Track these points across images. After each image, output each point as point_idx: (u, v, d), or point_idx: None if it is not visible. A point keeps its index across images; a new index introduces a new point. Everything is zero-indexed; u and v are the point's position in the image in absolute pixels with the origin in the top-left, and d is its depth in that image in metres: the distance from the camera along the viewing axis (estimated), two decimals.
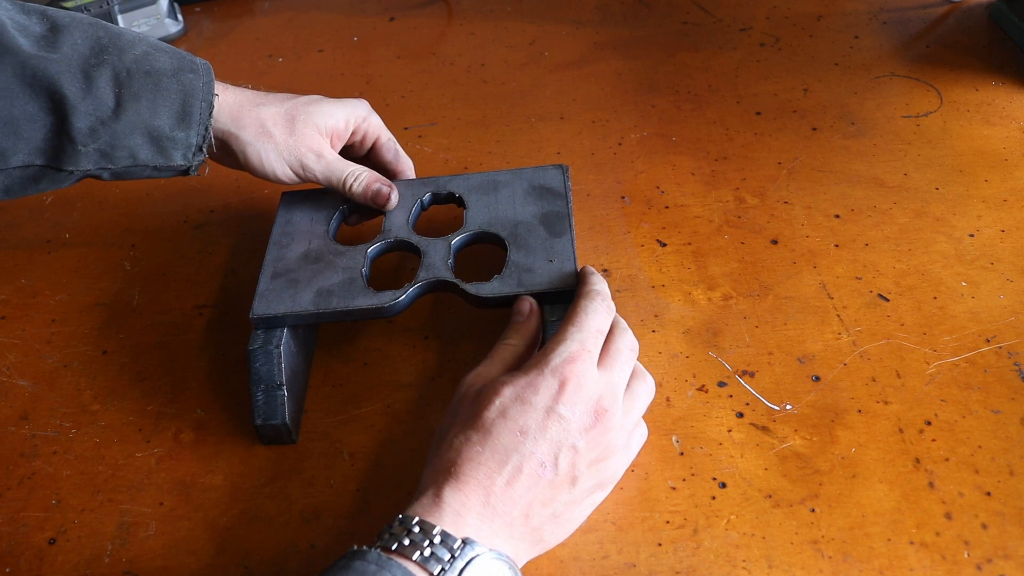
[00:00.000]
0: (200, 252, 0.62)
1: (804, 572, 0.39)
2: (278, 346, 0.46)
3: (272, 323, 0.47)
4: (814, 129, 0.67)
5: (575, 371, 0.39)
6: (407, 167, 0.57)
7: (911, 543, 0.40)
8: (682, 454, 0.45)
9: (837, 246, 0.56)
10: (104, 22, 0.48)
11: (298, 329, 0.49)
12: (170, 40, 0.90)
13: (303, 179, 0.52)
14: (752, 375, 0.48)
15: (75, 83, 0.45)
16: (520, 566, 0.38)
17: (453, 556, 0.34)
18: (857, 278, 0.54)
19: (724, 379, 0.48)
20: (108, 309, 0.58)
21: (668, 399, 0.48)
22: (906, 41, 0.77)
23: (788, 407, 0.47)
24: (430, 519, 0.35)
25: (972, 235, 0.56)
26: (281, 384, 0.46)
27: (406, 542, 0.34)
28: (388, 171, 0.56)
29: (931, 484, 0.42)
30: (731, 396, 0.47)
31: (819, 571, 0.39)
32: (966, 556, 0.39)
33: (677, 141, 0.67)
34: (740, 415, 0.46)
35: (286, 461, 0.47)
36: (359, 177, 0.53)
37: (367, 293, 0.48)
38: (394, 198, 0.54)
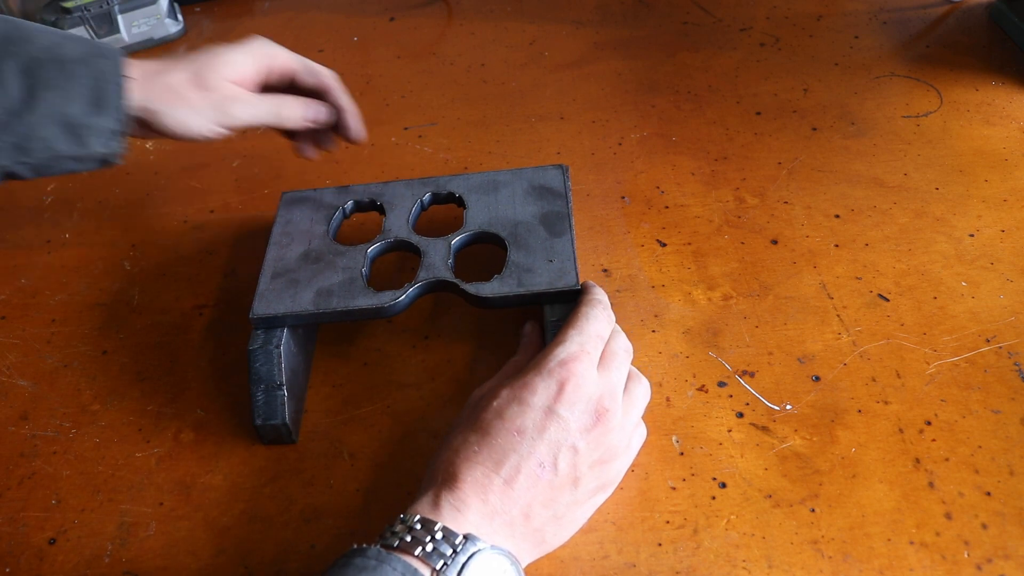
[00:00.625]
0: (200, 252, 0.62)
1: (804, 572, 0.39)
2: (278, 346, 0.46)
3: (272, 323, 0.47)
4: (814, 129, 0.67)
5: (574, 371, 0.40)
6: (331, 82, 0.55)
7: (911, 543, 0.40)
8: (682, 454, 0.45)
9: (837, 246, 0.56)
10: (5, 15, 0.47)
11: (298, 329, 0.49)
12: (170, 40, 0.90)
13: (233, 129, 0.51)
14: (752, 375, 0.48)
15: None
16: (523, 566, 0.38)
17: (455, 551, 0.34)
18: (857, 278, 0.54)
19: (724, 379, 0.48)
20: (108, 309, 0.58)
21: (668, 399, 0.48)
22: (906, 41, 0.77)
23: (788, 407, 0.47)
24: (431, 517, 0.36)
25: (972, 235, 0.56)
26: (281, 384, 0.46)
27: (408, 539, 0.34)
28: (317, 93, 0.55)
29: (931, 484, 0.42)
30: (731, 396, 0.47)
31: (819, 571, 0.39)
32: (966, 556, 0.39)
33: (677, 141, 0.67)
34: (740, 415, 0.46)
35: (286, 461, 0.47)
36: (290, 104, 0.52)
37: (367, 293, 0.48)
38: (328, 114, 0.54)
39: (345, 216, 0.55)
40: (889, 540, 0.40)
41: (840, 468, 0.43)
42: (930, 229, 0.57)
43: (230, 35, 0.90)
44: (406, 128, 0.72)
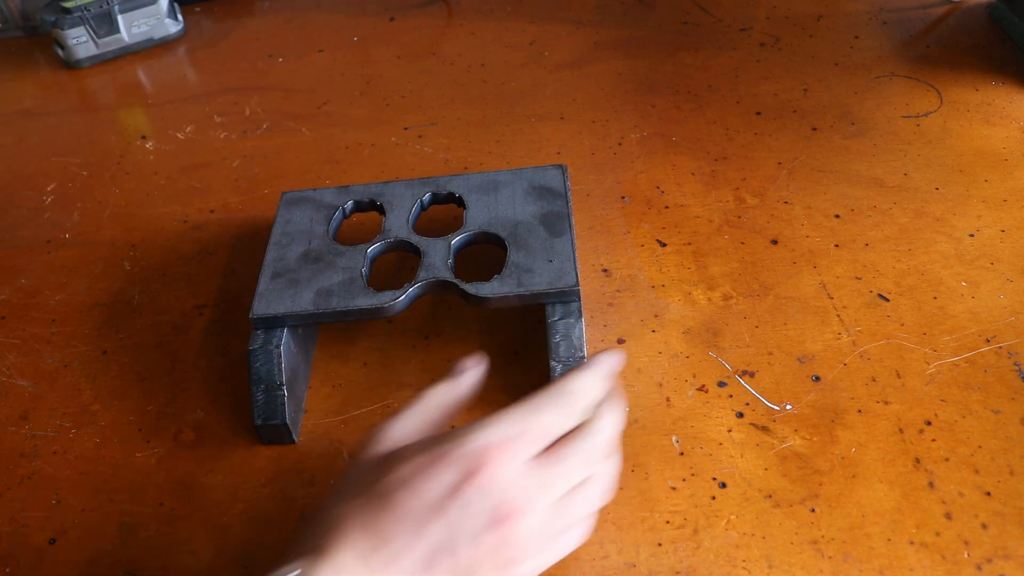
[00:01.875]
0: (200, 252, 0.62)
1: (804, 572, 0.39)
2: (278, 346, 0.46)
3: (272, 323, 0.47)
4: (814, 129, 0.67)
5: (485, 463, 0.33)
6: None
7: (911, 543, 0.40)
8: (682, 454, 0.45)
9: (837, 246, 0.56)
10: None
11: (298, 329, 0.49)
12: (170, 40, 0.90)
13: None
14: (752, 375, 0.48)
15: None
16: None
17: None
18: (857, 278, 0.54)
19: (724, 379, 0.48)
20: (108, 309, 0.58)
21: (668, 399, 0.48)
22: (906, 41, 0.77)
23: (788, 407, 0.47)
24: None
25: (972, 235, 0.56)
26: (281, 384, 0.46)
27: None
28: None
29: (931, 484, 0.42)
30: (731, 396, 0.47)
31: (819, 571, 0.39)
32: (966, 556, 0.39)
33: (677, 141, 0.67)
34: (740, 415, 0.46)
35: (286, 461, 0.47)
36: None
37: (367, 293, 0.48)
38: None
39: (345, 216, 0.55)
40: (889, 540, 0.40)
41: (840, 468, 0.43)
42: (930, 229, 0.57)
43: (230, 35, 0.90)
44: (406, 128, 0.72)
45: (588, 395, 0.37)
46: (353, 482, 0.36)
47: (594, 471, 0.36)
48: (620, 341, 0.51)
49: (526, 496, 0.34)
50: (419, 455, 0.34)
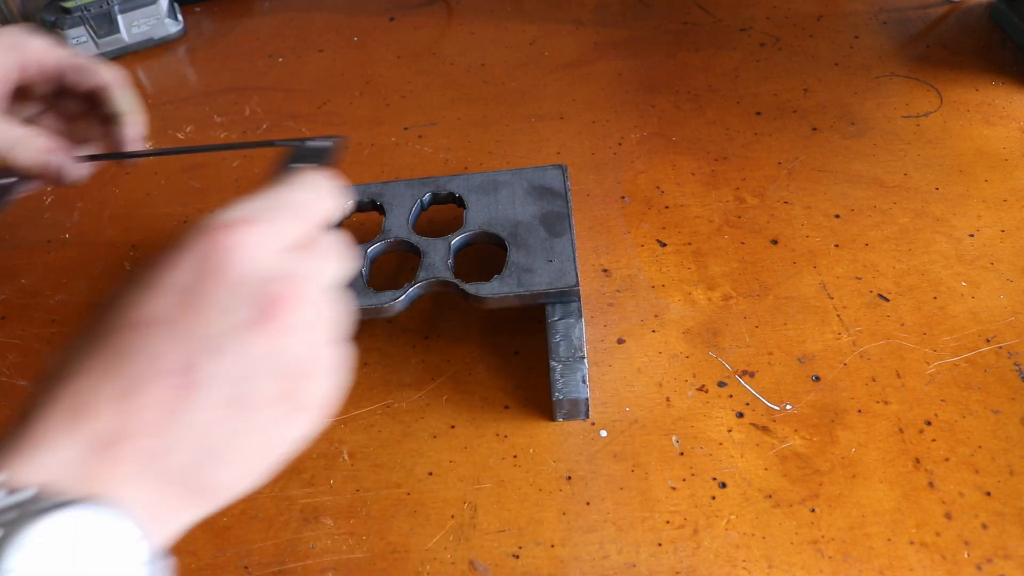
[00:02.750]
0: None
1: (804, 572, 0.39)
2: None
3: None
4: (814, 129, 0.67)
5: (229, 241, 0.26)
6: (108, 79, 0.45)
7: (911, 543, 0.40)
8: (682, 454, 0.45)
9: (837, 246, 0.56)
10: None
11: None
12: (170, 40, 0.90)
13: None
14: (752, 375, 0.48)
15: None
16: (180, 523, 0.26)
17: (15, 507, 0.21)
18: (857, 278, 0.54)
19: (724, 379, 0.48)
20: None
21: (668, 399, 0.48)
22: (906, 41, 0.77)
23: (788, 407, 0.47)
24: None
25: (972, 235, 0.56)
26: None
27: None
28: (89, 92, 0.46)
29: (931, 484, 0.42)
30: (731, 396, 0.47)
31: (819, 571, 0.39)
32: (966, 556, 0.39)
33: (677, 141, 0.67)
34: (740, 415, 0.46)
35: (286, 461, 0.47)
36: (28, 147, 0.42)
37: (367, 293, 0.48)
38: (77, 171, 0.44)
39: (345, 216, 0.55)
40: (889, 540, 0.40)
41: (840, 468, 0.43)
42: (930, 229, 0.57)
43: (230, 35, 0.90)
44: (406, 128, 0.72)
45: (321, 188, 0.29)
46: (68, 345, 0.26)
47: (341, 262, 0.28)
48: (620, 341, 0.51)
49: (291, 278, 0.26)
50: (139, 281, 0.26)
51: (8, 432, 0.24)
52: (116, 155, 0.48)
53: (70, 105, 0.47)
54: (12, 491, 0.22)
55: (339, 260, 0.28)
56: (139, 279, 0.26)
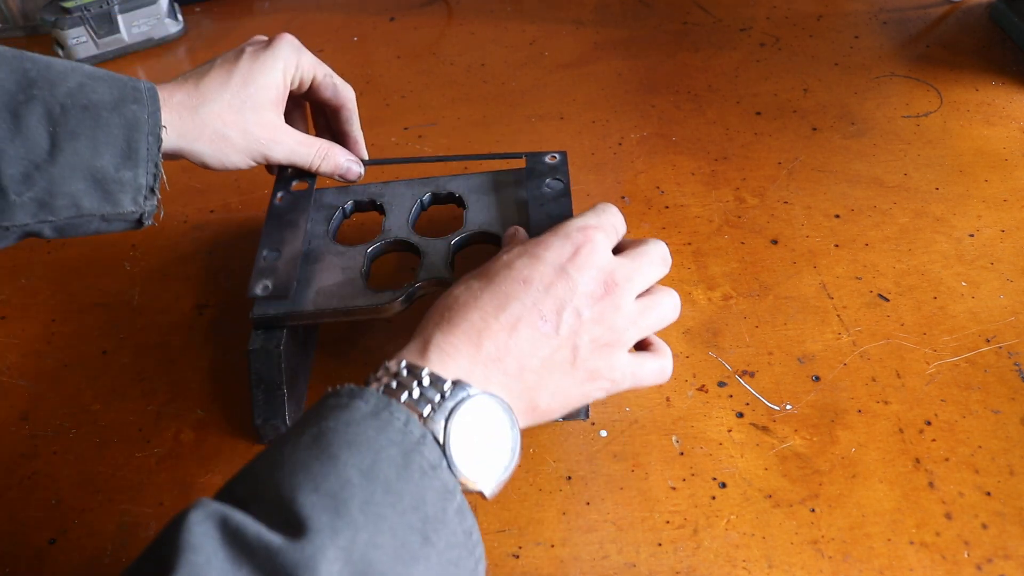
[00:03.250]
0: (200, 252, 0.62)
1: (804, 572, 0.39)
2: (278, 346, 0.46)
3: (272, 323, 0.47)
4: (814, 129, 0.67)
5: (592, 238, 0.38)
6: (347, 100, 0.53)
7: (911, 543, 0.40)
8: (682, 454, 0.45)
9: (837, 246, 0.56)
10: (31, 53, 0.42)
11: (298, 329, 0.49)
12: (170, 40, 0.90)
13: (264, 164, 0.51)
14: (752, 375, 0.48)
15: (1, 123, 0.40)
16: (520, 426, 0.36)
17: (443, 396, 0.32)
18: (857, 278, 0.54)
19: (724, 379, 0.48)
20: (108, 309, 0.58)
21: (668, 399, 0.48)
22: (906, 41, 0.77)
23: (788, 407, 0.47)
24: (417, 362, 0.34)
25: (972, 235, 0.56)
26: (281, 384, 0.46)
27: (393, 384, 0.32)
28: (330, 107, 0.54)
29: (931, 484, 0.42)
30: (731, 396, 0.47)
31: (819, 571, 0.39)
32: (966, 556, 0.39)
33: (677, 141, 0.68)
34: (740, 415, 0.46)
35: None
36: (326, 156, 0.52)
37: (367, 293, 0.48)
38: (360, 172, 0.54)
39: (345, 216, 0.55)
40: (889, 540, 0.40)
41: (840, 468, 0.43)
42: (930, 229, 0.57)
43: (230, 35, 0.90)
44: (406, 128, 0.72)
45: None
46: (462, 281, 0.38)
47: (662, 275, 0.40)
48: None
49: (625, 271, 0.38)
50: (518, 245, 0.39)
51: (413, 343, 0.35)
52: (393, 160, 0.57)
53: (300, 100, 0.55)
54: (433, 381, 0.32)
55: (662, 266, 0.40)
56: (526, 251, 0.38)
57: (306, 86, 0.52)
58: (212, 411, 0.50)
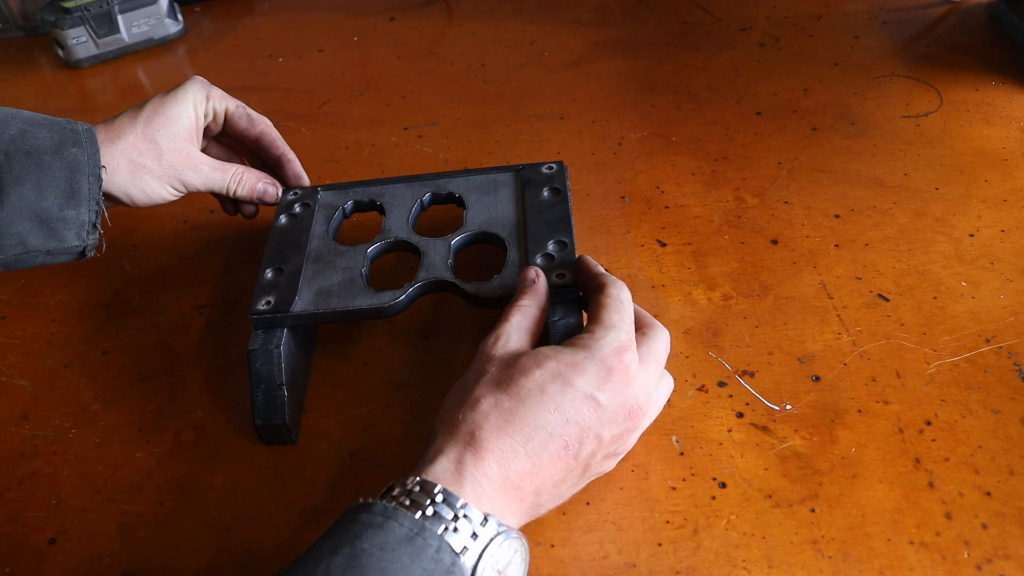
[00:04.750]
0: (200, 252, 0.62)
1: (804, 572, 0.39)
2: (278, 346, 0.46)
3: (272, 323, 0.47)
4: (814, 129, 0.67)
5: (627, 364, 0.39)
6: (264, 126, 0.56)
7: (911, 543, 0.40)
8: (682, 454, 0.45)
9: (837, 246, 0.56)
10: None
11: (298, 329, 0.49)
12: (170, 40, 0.90)
13: (185, 193, 0.53)
14: (752, 375, 0.48)
15: None
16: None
17: (475, 535, 0.33)
18: (857, 278, 0.54)
19: (724, 379, 0.48)
20: (108, 309, 0.58)
21: (668, 399, 0.48)
22: (906, 41, 0.77)
23: (788, 407, 0.47)
24: (453, 489, 0.35)
25: (972, 235, 0.56)
26: (281, 384, 0.46)
27: (429, 512, 0.33)
28: (248, 138, 0.56)
29: (931, 484, 0.42)
30: (731, 396, 0.47)
31: (819, 571, 0.39)
32: (966, 556, 0.39)
33: (677, 141, 0.68)
34: (740, 415, 0.46)
35: (286, 461, 0.47)
36: (241, 180, 0.54)
37: (367, 293, 0.48)
38: (276, 192, 0.56)
39: (345, 216, 0.55)
40: (889, 540, 0.40)
41: (840, 468, 0.43)
42: (930, 229, 0.57)
43: (230, 35, 0.91)
44: (406, 128, 0.72)
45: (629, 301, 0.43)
46: (489, 381, 0.39)
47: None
48: None
49: (646, 393, 0.40)
50: (551, 361, 0.38)
51: (444, 458, 0.36)
52: (370, 182, 0.57)
53: (227, 142, 0.58)
54: (468, 516, 0.34)
55: (663, 364, 0.42)
56: (560, 375, 0.38)
57: (220, 118, 0.55)
58: (212, 411, 0.50)
